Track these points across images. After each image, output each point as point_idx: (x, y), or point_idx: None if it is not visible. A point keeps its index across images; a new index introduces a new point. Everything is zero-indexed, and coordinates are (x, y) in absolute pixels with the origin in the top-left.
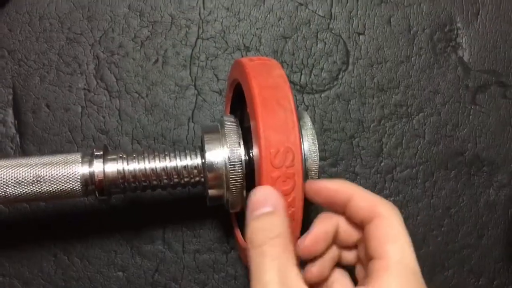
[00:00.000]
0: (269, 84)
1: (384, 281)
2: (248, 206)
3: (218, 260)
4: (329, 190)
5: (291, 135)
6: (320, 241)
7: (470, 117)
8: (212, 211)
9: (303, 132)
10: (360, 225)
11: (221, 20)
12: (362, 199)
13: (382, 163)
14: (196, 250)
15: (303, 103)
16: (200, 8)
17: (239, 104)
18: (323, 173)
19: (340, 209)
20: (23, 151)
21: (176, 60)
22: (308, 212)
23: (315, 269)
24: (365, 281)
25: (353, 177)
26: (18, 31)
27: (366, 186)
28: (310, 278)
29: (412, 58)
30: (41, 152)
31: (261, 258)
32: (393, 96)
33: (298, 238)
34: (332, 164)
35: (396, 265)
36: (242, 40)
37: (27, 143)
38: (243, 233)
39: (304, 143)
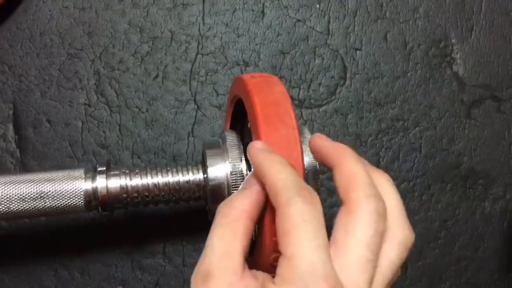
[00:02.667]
0: (271, 101)
1: (282, 277)
2: None
3: None
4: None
5: (293, 152)
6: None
7: (466, 131)
8: None
9: (304, 147)
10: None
11: (220, 35)
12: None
13: None
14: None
15: (301, 118)
16: (199, 24)
17: (239, 119)
18: (321, 187)
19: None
20: (24, 166)
21: (176, 75)
22: None
23: None
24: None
25: None
26: (19, 46)
27: None
28: None
29: (408, 73)
30: (41, 167)
31: (213, 223)
32: (390, 110)
33: None
34: (331, 178)
35: (290, 260)
36: (241, 56)
37: (28, 158)
38: None
39: (305, 158)
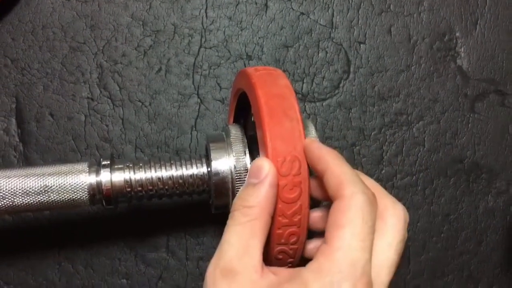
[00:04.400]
0: (275, 94)
1: (318, 266)
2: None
3: None
4: (313, 155)
5: (297, 145)
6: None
7: (469, 125)
8: (215, 219)
9: None
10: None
11: (223, 29)
12: (333, 175)
13: (383, 171)
14: (200, 257)
15: (305, 112)
16: (202, 17)
17: (243, 113)
18: None
19: (321, 179)
20: (27, 160)
21: (179, 69)
22: None
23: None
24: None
25: None
26: (21, 40)
27: None
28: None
29: (412, 67)
30: (44, 161)
31: (230, 221)
32: (393, 104)
33: (304, 245)
34: None
35: (335, 252)
36: (245, 49)
37: (31, 152)
38: None
39: None
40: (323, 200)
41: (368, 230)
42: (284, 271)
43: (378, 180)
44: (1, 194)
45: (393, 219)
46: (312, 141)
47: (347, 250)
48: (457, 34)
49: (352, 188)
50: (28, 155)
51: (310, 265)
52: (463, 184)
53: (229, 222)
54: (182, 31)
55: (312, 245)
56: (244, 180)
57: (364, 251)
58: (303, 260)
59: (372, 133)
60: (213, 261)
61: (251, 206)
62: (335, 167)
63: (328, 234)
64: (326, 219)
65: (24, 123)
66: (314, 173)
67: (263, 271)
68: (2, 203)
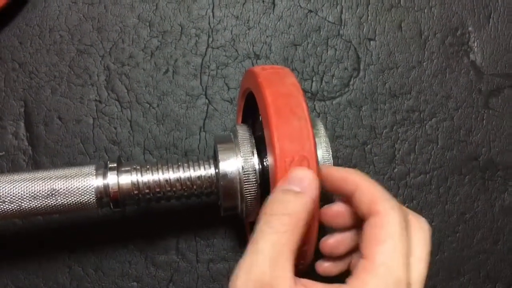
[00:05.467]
0: (283, 93)
1: (361, 282)
2: (284, 178)
3: (233, 269)
4: (336, 178)
5: (306, 144)
6: (343, 244)
7: (484, 121)
8: (225, 220)
9: (317, 140)
10: (362, 219)
11: (230, 28)
12: (365, 193)
13: (395, 170)
14: (210, 259)
15: (314, 110)
16: (209, 17)
17: (251, 113)
18: None
19: (348, 199)
20: (36, 164)
21: (186, 70)
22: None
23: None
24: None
25: None
26: (29, 43)
27: None
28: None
29: (424, 63)
30: (53, 164)
31: (265, 226)
32: (405, 101)
33: (314, 244)
34: None
35: (378, 268)
36: (252, 48)
37: (40, 156)
38: None
39: (318, 150)
40: (346, 227)
41: (407, 245)
42: (317, 286)
43: (391, 179)
44: (9, 198)
45: (420, 233)
46: (327, 166)
47: (390, 266)
48: (470, 28)
49: (387, 204)
50: (37, 158)
51: (352, 282)
52: (479, 182)
53: (263, 227)
54: (189, 32)
55: (333, 239)
56: (253, 181)
57: (406, 267)
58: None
59: (384, 131)
60: (243, 271)
61: (291, 214)
62: (365, 184)
63: (367, 250)
64: (342, 215)
65: (32, 127)
66: (335, 198)
67: (296, 284)
68: (10, 207)
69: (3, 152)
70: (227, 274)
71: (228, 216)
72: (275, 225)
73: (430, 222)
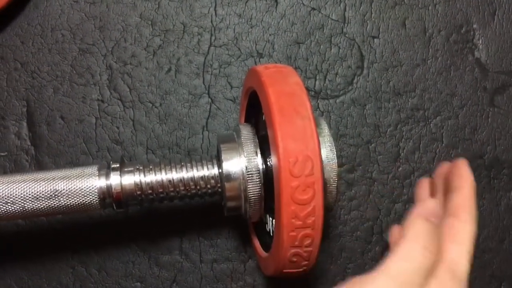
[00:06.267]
0: (286, 92)
1: (371, 278)
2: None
3: (236, 269)
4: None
5: (309, 143)
6: None
7: (489, 119)
8: (229, 220)
9: (321, 139)
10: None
11: (233, 27)
12: (460, 197)
13: (400, 168)
14: (214, 259)
15: (318, 109)
16: (212, 15)
17: (254, 112)
18: (340, 180)
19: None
20: (38, 164)
21: (189, 69)
22: (327, 219)
23: None
24: None
25: (370, 183)
26: (31, 43)
27: (383, 192)
28: None
29: (428, 61)
30: (56, 165)
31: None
32: (409, 100)
33: (319, 247)
34: (349, 170)
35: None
36: (255, 47)
37: (42, 156)
38: (261, 242)
39: (322, 150)
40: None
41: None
42: None
43: (395, 178)
44: (12, 199)
45: (467, 231)
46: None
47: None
48: (475, 25)
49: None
50: (40, 158)
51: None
52: (484, 180)
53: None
54: (192, 30)
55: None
56: (257, 181)
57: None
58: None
59: (388, 130)
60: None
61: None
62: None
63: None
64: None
65: (35, 127)
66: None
67: None
68: (13, 208)
69: (6, 152)
70: (231, 274)
71: (232, 216)
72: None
73: None
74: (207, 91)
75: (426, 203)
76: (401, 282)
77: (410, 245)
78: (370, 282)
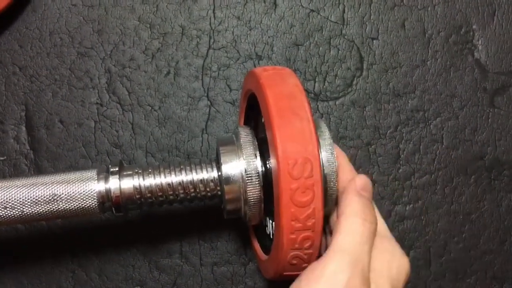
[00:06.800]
0: (285, 94)
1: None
2: None
3: (236, 272)
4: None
5: (309, 145)
6: None
7: (489, 120)
8: (228, 223)
9: (321, 141)
10: None
11: (232, 29)
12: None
13: (400, 170)
14: (214, 262)
15: (317, 111)
16: (210, 18)
17: (253, 114)
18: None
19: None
20: (37, 168)
21: (188, 72)
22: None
23: None
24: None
25: None
26: (29, 47)
27: (384, 194)
28: None
29: (428, 62)
30: (55, 169)
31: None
32: (409, 101)
33: (319, 249)
34: None
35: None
36: (254, 49)
37: (41, 160)
38: (261, 245)
39: (322, 152)
40: None
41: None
42: None
43: (395, 179)
44: (11, 204)
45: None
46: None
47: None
48: (474, 26)
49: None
50: (39, 163)
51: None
52: (485, 181)
53: None
54: (190, 33)
55: None
56: (256, 184)
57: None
58: None
59: (388, 131)
60: None
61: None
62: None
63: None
64: None
65: (34, 131)
66: None
67: None
68: (12, 213)
69: (5, 157)
70: (231, 277)
71: (232, 219)
72: None
73: (436, 222)
74: (206, 94)
75: (356, 180)
76: (354, 253)
77: (351, 220)
78: (330, 262)
